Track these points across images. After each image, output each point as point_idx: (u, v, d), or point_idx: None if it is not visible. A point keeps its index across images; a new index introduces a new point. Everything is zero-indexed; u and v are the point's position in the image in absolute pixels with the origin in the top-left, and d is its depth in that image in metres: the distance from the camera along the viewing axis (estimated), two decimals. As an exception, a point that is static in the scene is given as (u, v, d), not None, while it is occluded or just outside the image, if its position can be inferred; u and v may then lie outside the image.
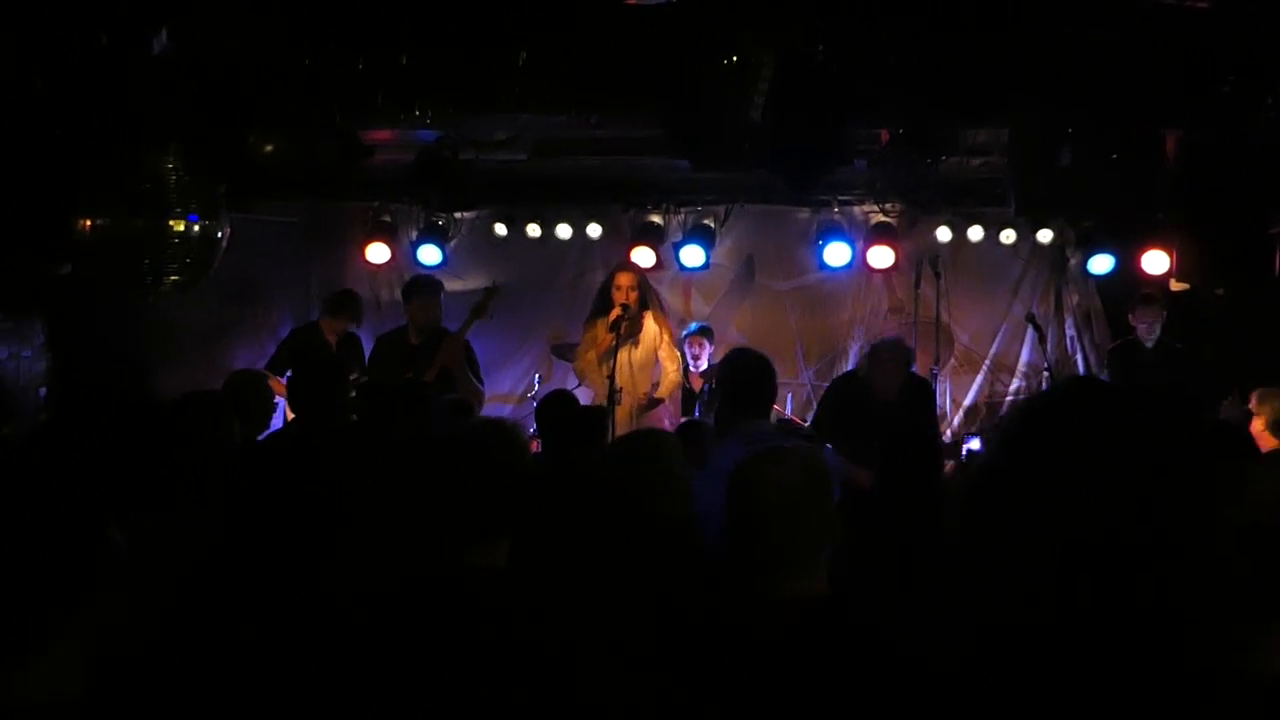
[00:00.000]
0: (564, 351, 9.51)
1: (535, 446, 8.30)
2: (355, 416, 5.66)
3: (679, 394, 8.89)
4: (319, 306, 9.23)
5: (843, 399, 7.60)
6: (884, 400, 7.24)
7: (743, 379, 5.20)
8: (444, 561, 2.88)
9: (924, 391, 7.92)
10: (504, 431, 3.18)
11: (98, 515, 2.05)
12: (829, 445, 4.67)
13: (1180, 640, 1.38)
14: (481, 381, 8.42)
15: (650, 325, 8.26)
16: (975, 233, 9.61)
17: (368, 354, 8.83)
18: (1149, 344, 8.52)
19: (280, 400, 7.41)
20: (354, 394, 5.91)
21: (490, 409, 9.63)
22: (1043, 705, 1.39)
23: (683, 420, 8.06)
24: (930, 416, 7.81)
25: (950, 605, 1.52)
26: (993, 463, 1.59)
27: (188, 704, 2.38)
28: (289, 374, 7.89)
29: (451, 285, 9.30)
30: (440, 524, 2.94)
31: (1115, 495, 1.43)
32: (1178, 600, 1.39)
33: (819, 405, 8.04)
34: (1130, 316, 8.67)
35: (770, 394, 5.28)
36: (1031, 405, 1.61)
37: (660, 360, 8.36)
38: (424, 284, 8.69)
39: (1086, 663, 1.38)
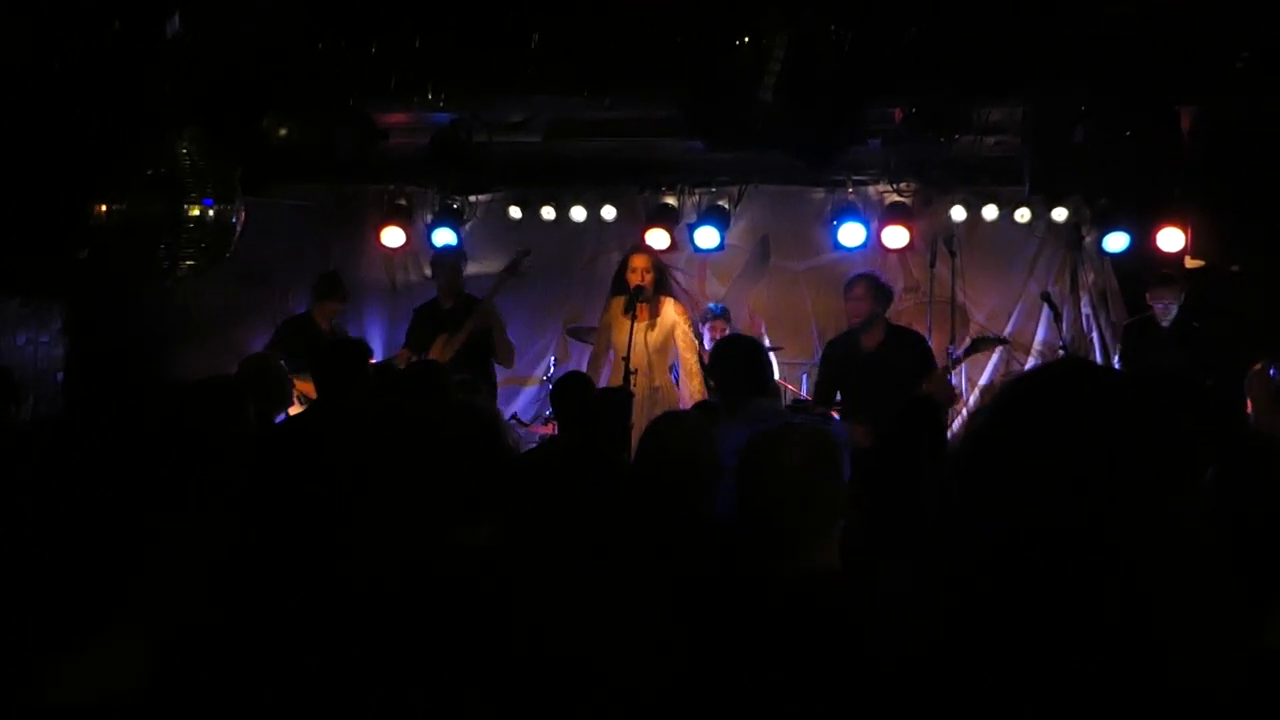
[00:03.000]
0: (580, 333, 9.53)
1: (551, 428, 8.40)
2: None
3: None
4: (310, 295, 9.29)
5: (832, 359, 8.09)
6: (868, 350, 7.81)
7: (732, 362, 5.34)
8: (428, 542, 2.91)
9: (911, 342, 8.01)
10: (474, 412, 3.23)
11: (145, 499, 2.06)
12: (835, 418, 4.74)
13: (1178, 618, 1.38)
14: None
15: (669, 313, 8.20)
16: (990, 211, 9.58)
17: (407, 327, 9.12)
18: (1165, 322, 8.49)
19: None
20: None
21: (506, 391, 9.66)
22: (1033, 683, 1.40)
23: (698, 400, 8.07)
24: (922, 365, 7.88)
25: (935, 580, 1.53)
26: (974, 441, 1.60)
27: (240, 690, 2.40)
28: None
29: (467, 268, 9.32)
30: (421, 504, 2.97)
31: (1100, 473, 1.43)
32: (1172, 579, 1.40)
33: (818, 373, 8.23)
34: (1147, 295, 8.64)
35: (759, 371, 5.35)
36: (1013, 387, 1.61)
37: (680, 352, 8.28)
38: (448, 253, 9.25)
39: (1077, 642, 1.38)
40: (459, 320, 8.35)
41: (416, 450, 3.07)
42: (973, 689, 1.41)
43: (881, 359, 7.78)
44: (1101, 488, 1.42)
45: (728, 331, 9.40)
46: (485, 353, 8.42)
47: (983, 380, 9.94)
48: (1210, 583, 1.42)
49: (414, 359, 8.07)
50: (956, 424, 9.06)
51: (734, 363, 5.39)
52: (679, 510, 3.68)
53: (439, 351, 8.08)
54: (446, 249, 9.40)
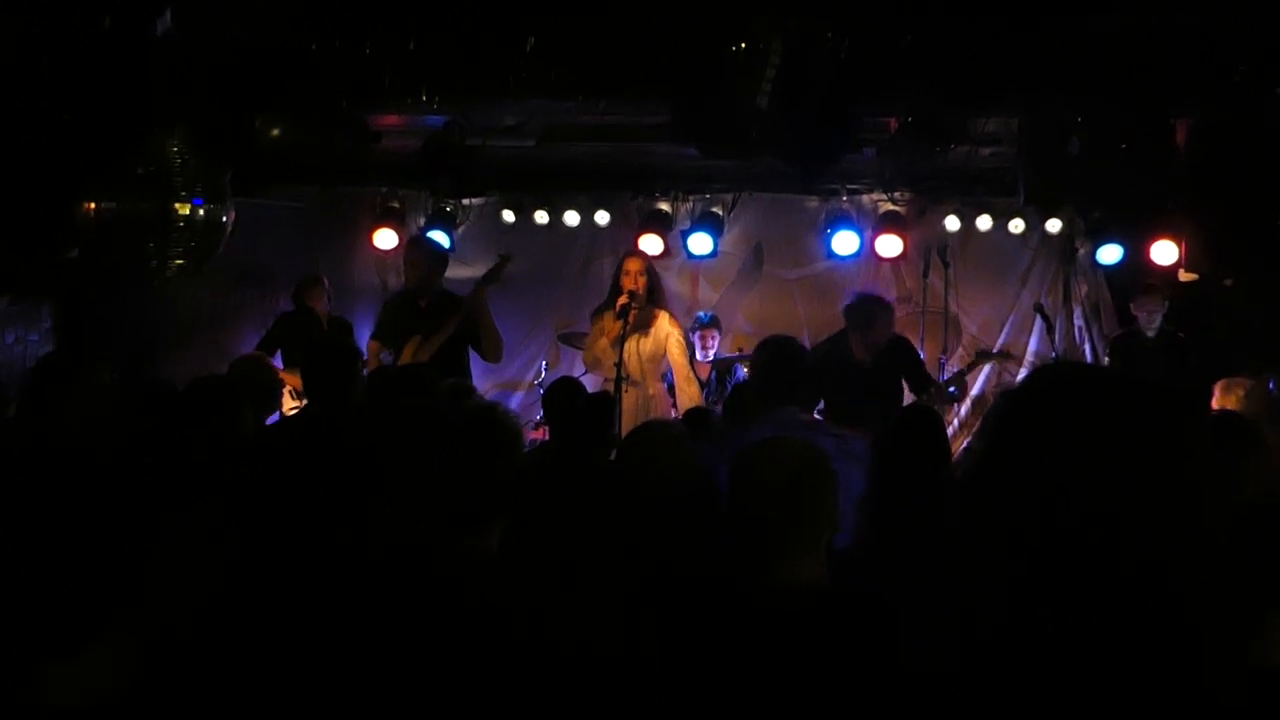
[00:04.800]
0: (571, 339, 9.48)
1: (542, 433, 8.36)
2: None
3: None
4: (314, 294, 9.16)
5: (821, 366, 7.78)
6: (859, 360, 7.64)
7: (771, 364, 5.25)
8: (437, 545, 2.88)
9: (903, 349, 7.93)
10: (496, 416, 3.18)
11: (141, 504, 2.04)
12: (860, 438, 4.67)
13: (1180, 631, 1.36)
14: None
15: (664, 324, 8.13)
16: (984, 222, 9.59)
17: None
18: (1150, 333, 8.49)
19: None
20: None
21: (497, 396, 9.62)
22: (1038, 699, 1.37)
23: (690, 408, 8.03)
24: (914, 374, 7.85)
25: (945, 597, 1.50)
26: (979, 454, 1.57)
27: (234, 693, 2.37)
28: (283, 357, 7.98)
29: (459, 272, 9.28)
30: (433, 507, 2.94)
31: (1101, 483, 1.41)
32: (1174, 591, 1.37)
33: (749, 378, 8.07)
34: (1132, 305, 8.67)
35: (797, 380, 5.27)
36: (1010, 395, 1.59)
37: (674, 358, 8.19)
38: (430, 243, 8.90)
39: (1080, 657, 1.36)
40: (437, 319, 7.93)
41: (436, 453, 3.04)
42: (979, 705, 1.39)
43: (875, 367, 7.70)
44: (1112, 493, 1.39)
45: (718, 339, 9.38)
46: (463, 355, 8.02)
47: (974, 391, 9.93)
48: (1219, 592, 1.39)
49: (386, 355, 7.91)
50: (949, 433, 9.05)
51: (765, 365, 5.31)
52: (659, 519, 3.65)
53: (413, 353, 7.74)
54: (428, 240, 9.11)
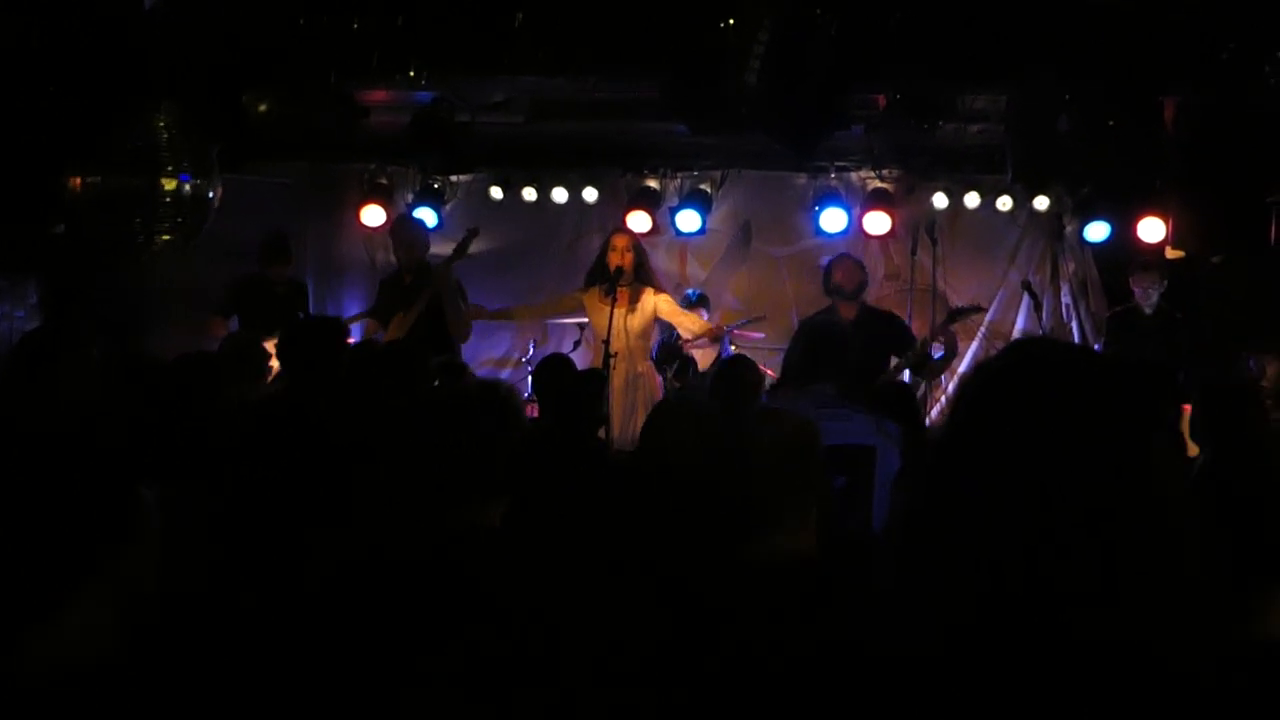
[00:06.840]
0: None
1: (532, 410, 8.37)
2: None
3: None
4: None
5: (807, 337, 7.81)
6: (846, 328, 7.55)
7: (807, 343, 5.35)
8: (441, 522, 2.89)
9: (887, 319, 8.00)
10: (499, 392, 3.20)
11: (123, 471, 2.04)
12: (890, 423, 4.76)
13: (1168, 606, 1.37)
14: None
15: (649, 297, 8.14)
16: (972, 200, 9.59)
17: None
18: (1148, 310, 8.50)
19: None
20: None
21: (484, 374, 9.61)
22: (1024, 678, 1.38)
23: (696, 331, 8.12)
24: (901, 342, 7.90)
25: (919, 577, 1.51)
26: (950, 427, 1.58)
27: (211, 665, 2.38)
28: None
29: (446, 248, 9.27)
30: (437, 484, 2.94)
31: (1069, 458, 1.42)
32: (1162, 566, 1.38)
33: (785, 353, 8.12)
34: (1130, 280, 8.66)
35: (833, 360, 5.35)
36: (981, 371, 1.59)
37: (666, 310, 8.18)
38: (407, 222, 8.91)
39: (1054, 635, 1.37)
40: (414, 295, 7.99)
41: (441, 430, 3.05)
42: (956, 680, 1.40)
43: (862, 335, 7.72)
44: (1084, 472, 1.40)
45: (706, 317, 9.39)
46: (446, 331, 8.01)
47: (962, 368, 9.94)
48: (1197, 568, 1.40)
49: (380, 334, 7.95)
50: (935, 411, 9.07)
51: (807, 343, 5.44)
52: (685, 497, 3.65)
53: (395, 329, 7.81)
54: (406, 219, 9.10)
